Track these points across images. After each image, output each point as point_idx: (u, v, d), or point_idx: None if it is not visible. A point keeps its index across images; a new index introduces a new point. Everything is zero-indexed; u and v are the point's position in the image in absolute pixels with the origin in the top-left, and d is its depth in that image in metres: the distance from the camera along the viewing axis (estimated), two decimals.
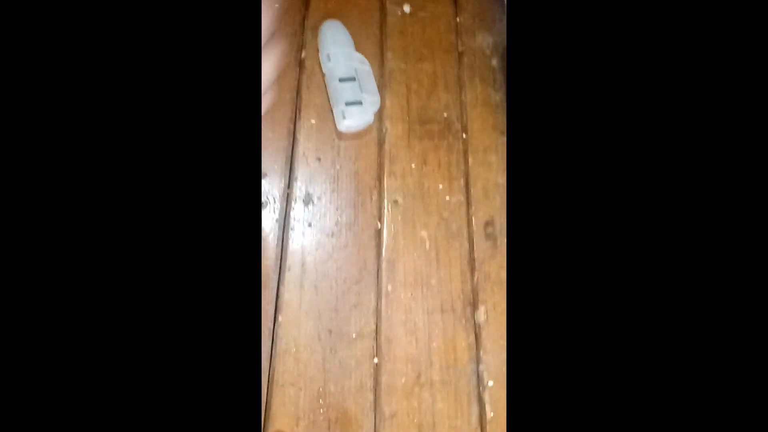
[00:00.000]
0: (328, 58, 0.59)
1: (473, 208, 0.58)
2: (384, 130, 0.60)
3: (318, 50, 0.61)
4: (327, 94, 0.59)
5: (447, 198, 0.58)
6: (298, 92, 0.60)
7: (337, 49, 0.59)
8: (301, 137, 0.58)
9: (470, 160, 0.60)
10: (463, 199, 0.59)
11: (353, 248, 0.54)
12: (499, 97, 0.63)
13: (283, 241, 0.54)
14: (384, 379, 0.50)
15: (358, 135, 0.59)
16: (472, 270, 0.56)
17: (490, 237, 0.57)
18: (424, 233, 0.56)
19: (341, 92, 0.57)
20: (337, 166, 0.58)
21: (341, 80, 0.57)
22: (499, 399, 0.51)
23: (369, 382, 0.50)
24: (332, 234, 0.55)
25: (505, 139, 0.61)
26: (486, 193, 0.59)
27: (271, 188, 0.56)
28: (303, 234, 0.54)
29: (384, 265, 0.54)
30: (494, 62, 0.65)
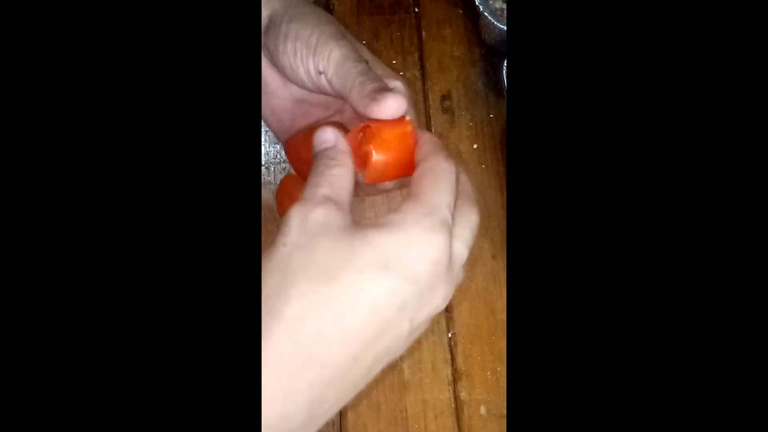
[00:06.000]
0: None
1: (429, 82, 0.56)
2: (331, 7, 0.57)
3: None
4: None
5: (401, 73, 0.56)
6: None
7: None
8: None
9: (423, 34, 0.57)
10: (418, 74, 0.56)
11: None
12: None
13: None
14: None
15: None
16: None
17: (447, 111, 0.55)
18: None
19: None
20: None
21: None
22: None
23: None
24: None
25: (459, 11, 0.58)
26: (441, 66, 0.56)
27: None
28: None
29: None
30: None
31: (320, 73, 0.31)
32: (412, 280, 0.25)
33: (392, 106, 0.28)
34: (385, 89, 0.29)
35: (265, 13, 0.33)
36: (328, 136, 0.29)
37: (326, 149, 0.29)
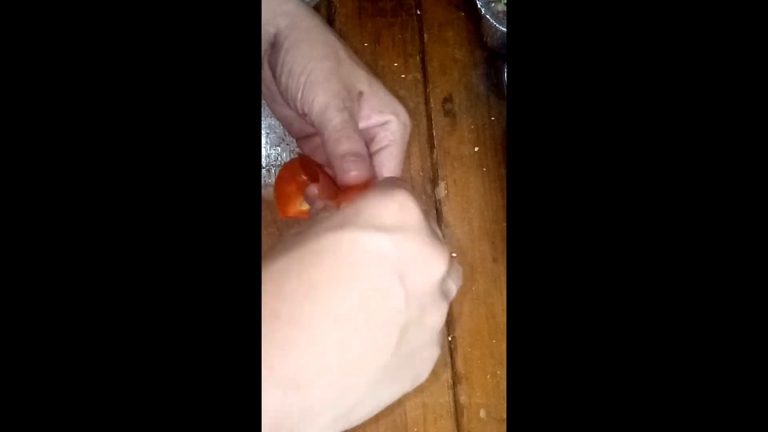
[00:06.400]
0: None
1: (430, 85, 0.56)
2: (333, 9, 0.57)
3: None
4: None
5: (403, 76, 0.56)
6: None
7: None
8: None
9: (425, 36, 0.57)
10: (419, 76, 0.56)
11: None
12: None
13: None
14: None
15: None
16: (431, 147, 0.54)
17: (449, 113, 0.55)
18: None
19: None
20: None
21: None
22: (461, 260, 0.50)
23: None
24: None
25: (461, 14, 0.58)
26: (443, 69, 0.56)
27: None
28: None
29: None
30: None
31: (304, 114, 0.32)
32: (377, 228, 0.24)
33: (354, 177, 0.30)
34: (353, 155, 0.30)
35: (271, 30, 0.34)
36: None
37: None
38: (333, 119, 0.31)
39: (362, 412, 0.25)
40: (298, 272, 0.24)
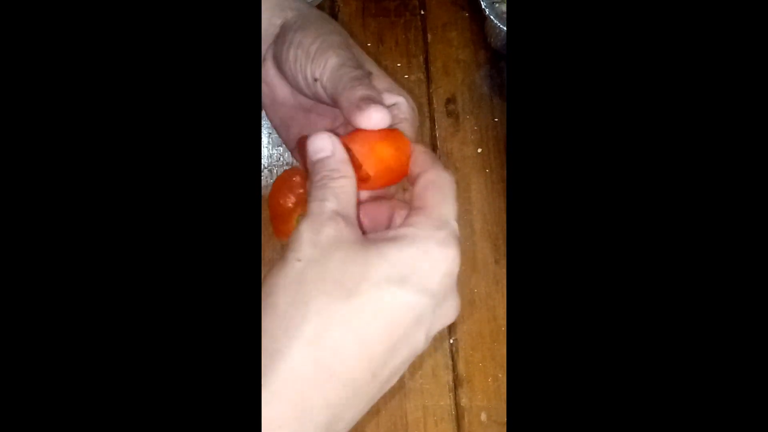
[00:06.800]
0: None
1: (434, 85, 0.56)
2: (336, 9, 0.57)
3: None
4: None
5: (406, 76, 0.56)
6: None
7: None
8: None
9: (429, 36, 0.57)
10: (422, 77, 0.56)
11: None
12: None
13: None
14: None
15: None
16: (434, 148, 0.54)
17: (451, 114, 0.55)
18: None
19: None
20: None
21: None
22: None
23: None
24: None
25: (465, 14, 0.58)
26: (446, 69, 0.56)
27: None
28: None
29: None
30: None
31: (315, 80, 0.31)
32: (428, 293, 0.25)
33: (375, 117, 0.28)
34: (374, 99, 0.28)
35: (277, 22, 0.33)
36: (324, 144, 0.28)
37: (325, 158, 0.28)
38: (350, 72, 0.30)
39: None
40: (356, 327, 0.24)
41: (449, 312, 0.26)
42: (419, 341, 0.25)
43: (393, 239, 0.25)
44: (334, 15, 0.56)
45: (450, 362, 0.49)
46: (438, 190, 0.27)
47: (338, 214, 0.26)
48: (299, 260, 0.24)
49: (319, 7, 0.56)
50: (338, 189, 0.27)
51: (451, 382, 0.48)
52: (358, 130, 0.28)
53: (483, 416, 0.47)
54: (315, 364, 0.23)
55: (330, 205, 0.26)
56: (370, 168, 0.28)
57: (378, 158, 0.28)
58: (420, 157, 0.29)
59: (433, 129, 0.54)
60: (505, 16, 0.51)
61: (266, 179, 0.53)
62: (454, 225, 0.27)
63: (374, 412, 0.47)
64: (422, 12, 0.58)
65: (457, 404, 0.47)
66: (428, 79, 0.56)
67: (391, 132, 0.28)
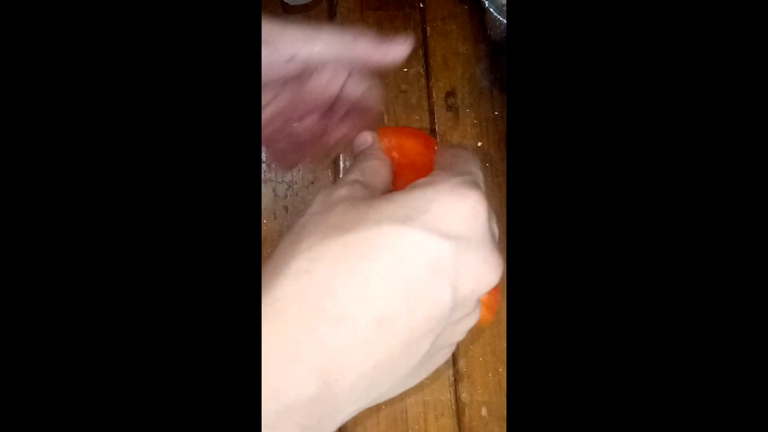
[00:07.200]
0: None
1: (433, 79, 0.55)
2: (335, 1, 0.56)
3: None
4: None
5: (405, 70, 0.55)
6: None
7: None
8: None
9: (428, 29, 0.57)
10: (422, 70, 0.55)
11: None
12: None
13: None
14: None
15: (307, 7, 0.55)
16: None
17: (451, 108, 0.54)
18: (381, 107, 0.54)
19: None
20: None
21: None
22: None
23: None
24: None
25: (465, 7, 0.57)
26: (446, 63, 0.56)
27: None
28: None
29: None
30: None
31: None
32: (442, 234, 0.22)
33: (402, 49, 0.31)
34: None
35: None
36: (366, 138, 0.30)
37: (364, 148, 0.30)
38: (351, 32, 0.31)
39: (373, 404, 0.24)
40: (350, 262, 0.21)
41: (484, 266, 0.23)
42: (442, 295, 0.22)
43: (405, 190, 0.23)
44: (332, 8, 0.56)
45: (450, 357, 0.48)
46: (460, 157, 0.27)
47: (357, 182, 0.26)
48: (303, 216, 0.24)
49: (318, 0, 0.55)
50: (365, 165, 0.28)
51: (451, 377, 0.48)
52: (384, 129, 0.32)
53: (484, 411, 0.47)
54: (302, 298, 0.21)
55: (353, 176, 0.26)
56: (393, 161, 0.30)
57: (403, 153, 0.30)
58: (444, 152, 0.30)
59: (432, 123, 0.54)
60: (505, 8, 0.51)
61: (264, 173, 0.53)
62: (479, 175, 0.25)
63: (374, 407, 0.47)
64: (421, 5, 0.57)
65: (457, 399, 0.47)
66: (428, 72, 0.55)
67: (415, 130, 0.32)
